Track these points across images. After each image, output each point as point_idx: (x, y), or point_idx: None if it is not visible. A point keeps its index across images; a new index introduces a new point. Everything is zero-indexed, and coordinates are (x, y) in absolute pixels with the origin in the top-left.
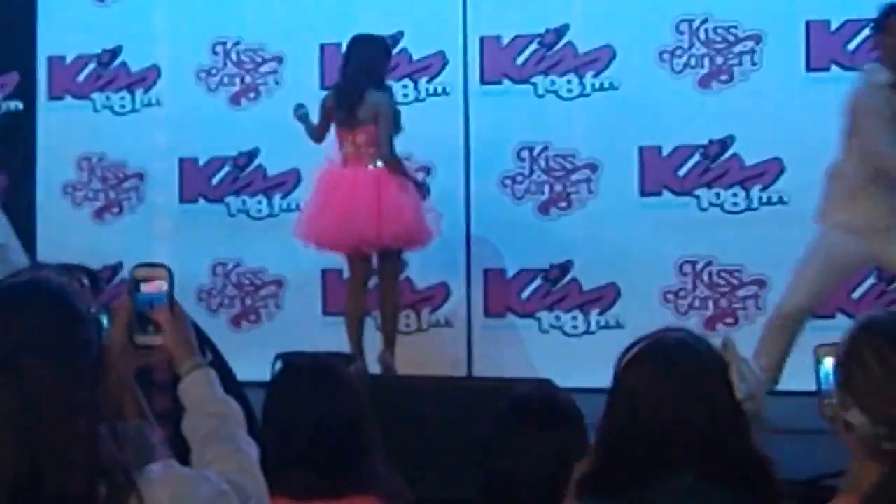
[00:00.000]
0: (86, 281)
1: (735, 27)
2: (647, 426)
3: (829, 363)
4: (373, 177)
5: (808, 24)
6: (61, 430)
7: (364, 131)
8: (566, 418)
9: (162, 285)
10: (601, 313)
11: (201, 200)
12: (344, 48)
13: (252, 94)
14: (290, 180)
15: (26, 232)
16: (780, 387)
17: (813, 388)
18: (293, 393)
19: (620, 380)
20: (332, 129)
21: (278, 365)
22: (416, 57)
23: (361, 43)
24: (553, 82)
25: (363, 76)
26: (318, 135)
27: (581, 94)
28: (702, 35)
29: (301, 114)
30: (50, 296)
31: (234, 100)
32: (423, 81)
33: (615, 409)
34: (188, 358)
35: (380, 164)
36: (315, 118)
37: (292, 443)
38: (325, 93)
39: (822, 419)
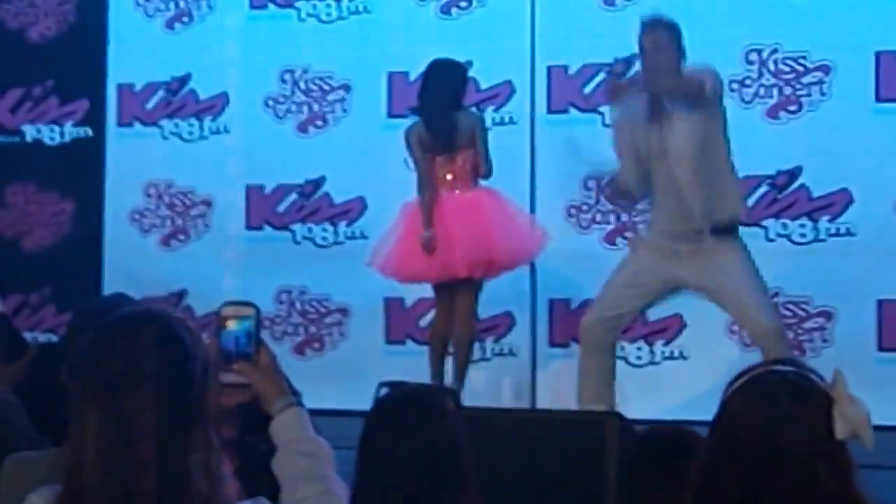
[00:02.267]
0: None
1: (804, 57)
2: (741, 461)
3: None
4: (479, 198)
5: (877, 54)
6: (152, 461)
7: (463, 155)
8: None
9: (249, 324)
10: (666, 344)
11: (267, 228)
12: (417, 75)
13: (319, 122)
14: (355, 208)
15: (94, 258)
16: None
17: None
18: (394, 424)
19: (722, 412)
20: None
21: (382, 391)
22: (483, 86)
23: (440, 67)
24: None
25: (446, 102)
26: (425, 170)
27: None
28: (771, 65)
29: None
30: (161, 328)
31: (302, 128)
32: (490, 110)
33: (713, 440)
34: (280, 397)
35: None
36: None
37: (390, 475)
38: (392, 121)
39: None
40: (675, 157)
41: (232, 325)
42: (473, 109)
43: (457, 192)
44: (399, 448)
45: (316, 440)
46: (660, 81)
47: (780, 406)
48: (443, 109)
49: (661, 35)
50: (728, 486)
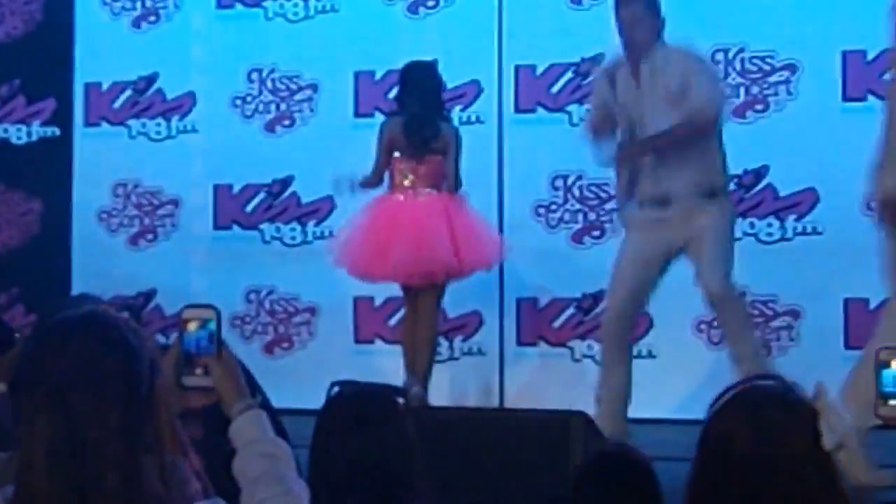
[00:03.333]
0: (126, 315)
1: (771, 57)
2: (731, 474)
3: (891, 366)
4: (443, 203)
5: (844, 54)
6: (105, 462)
7: (430, 162)
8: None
9: (210, 326)
10: (634, 343)
11: (235, 227)
12: (384, 74)
13: (287, 122)
14: (323, 208)
15: (61, 258)
16: None
17: None
18: (344, 423)
19: (708, 427)
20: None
21: (334, 390)
22: (450, 85)
23: (420, 69)
24: (588, 111)
25: (432, 106)
26: (380, 169)
27: None
28: (737, 65)
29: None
30: (105, 329)
31: (269, 127)
32: (457, 109)
33: (701, 457)
34: (239, 399)
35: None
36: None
37: (338, 474)
38: (359, 120)
39: (877, 418)
40: (654, 126)
41: (193, 327)
42: (454, 122)
43: (413, 197)
44: (349, 447)
45: (275, 441)
46: (662, 146)
47: (769, 418)
48: (426, 112)
49: (638, 8)
50: (721, 500)
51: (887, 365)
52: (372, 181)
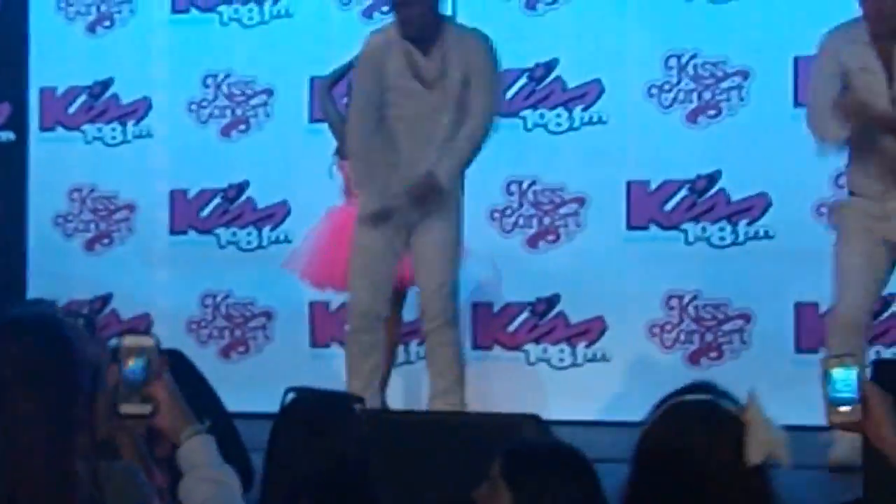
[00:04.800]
0: (76, 321)
1: (723, 63)
2: (659, 490)
3: (840, 372)
4: None
5: (795, 59)
6: (38, 465)
7: None
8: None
9: (149, 354)
10: (588, 346)
11: (191, 232)
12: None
13: (242, 127)
14: (279, 212)
15: (17, 262)
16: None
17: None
18: (296, 431)
19: (640, 443)
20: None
21: (289, 397)
22: None
23: None
24: (542, 116)
25: None
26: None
27: (570, 129)
28: (690, 70)
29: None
30: (46, 331)
31: (225, 132)
32: None
33: (634, 470)
34: (186, 424)
35: None
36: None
37: (293, 481)
38: (314, 126)
39: (831, 426)
40: None
41: (132, 355)
42: None
43: None
44: (305, 455)
45: (222, 466)
46: None
47: (692, 437)
48: None
49: None
50: None
51: (834, 372)
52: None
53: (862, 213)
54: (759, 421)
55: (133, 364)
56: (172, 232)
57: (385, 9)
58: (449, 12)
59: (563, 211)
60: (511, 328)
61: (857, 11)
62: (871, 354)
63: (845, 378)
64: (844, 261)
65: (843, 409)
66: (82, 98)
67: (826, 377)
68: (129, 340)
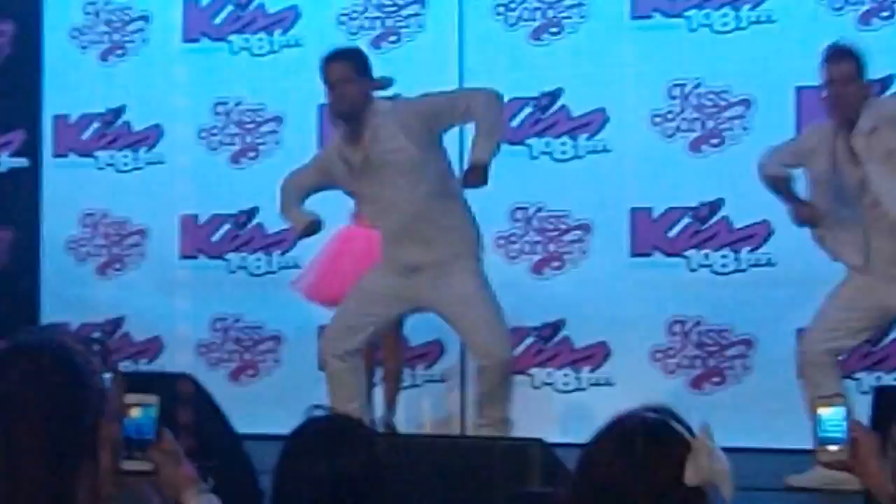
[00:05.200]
0: (96, 348)
1: (726, 92)
2: (598, 500)
3: (830, 413)
4: None
5: (797, 89)
6: (39, 489)
7: None
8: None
9: (152, 412)
10: (592, 371)
11: (202, 257)
12: None
13: (252, 154)
14: (288, 238)
15: (31, 286)
16: (772, 445)
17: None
18: (311, 447)
19: (585, 453)
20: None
21: (311, 413)
22: None
23: None
24: (547, 144)
25: None
26: None
27: (575, 157)
28: (693, 100)
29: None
30: (54, 355)
31: (235, 159)
32: None
33: (576, 479)
34: (192, 484)
35: None
36: None
37: (307, 498)
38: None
39: (820, 465)
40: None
41: (135, 412)
42: None
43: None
44: (319, 472)
45: None
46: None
47: (634, 449)
48: None
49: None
50: None
51: (822, 412)
52: None
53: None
54: (705, 447)
55: (136, 418)
56: (183, 257)
57: (393, 39)
58: (456, 43)
59: (567, 238)
60: (517, 352)
61: (860, 40)
62: (872, 380)
63: (834, 418)
64: (825, 302)
65: (833, 448)
66: (95, 125)
67: (815, 418)
68: (132, 398)
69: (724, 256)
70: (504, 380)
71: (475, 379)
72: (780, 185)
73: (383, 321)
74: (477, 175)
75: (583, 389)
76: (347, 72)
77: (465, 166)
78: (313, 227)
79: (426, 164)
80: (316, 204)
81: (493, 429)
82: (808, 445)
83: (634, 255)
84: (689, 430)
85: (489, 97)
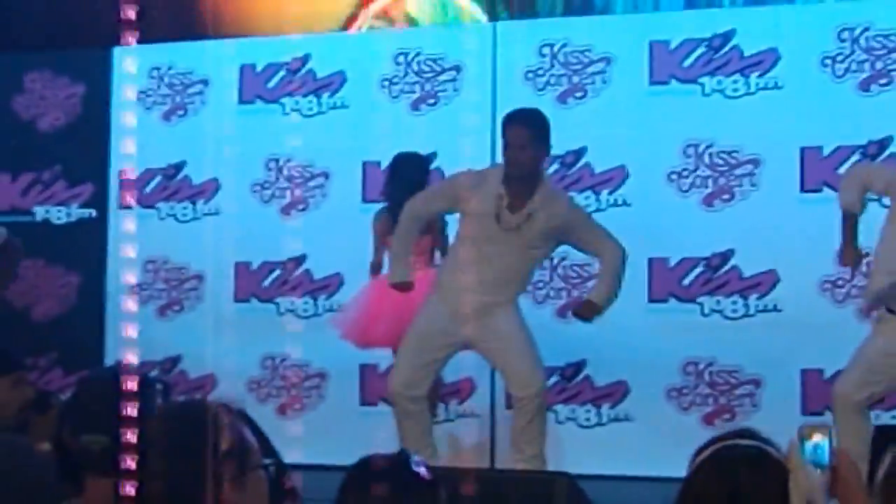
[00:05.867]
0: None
1: (736, 152)
2: None
3: (815, 440)
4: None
5: (802, 149)
6: None
7: (424, 239)
8: None
9: (826, 443)
10: (612, 407)
11: (254, 300)
12: (386, 165)
13: (301, 206)
14: (333, 283)
15: (97, 326)
16: None
17: None
18: (368, 489)
19: (687, 483)
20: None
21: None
22: (449, 174)
23: (404, 161)
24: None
25: (412, 192)
26: (379, 254)
27: (597, 210)
28: (706, 158)
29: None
30: (192, 419)
31: (285, 210)
32: None
33: None
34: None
35: None
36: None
37: None
38: (366, 205)
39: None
40: None
41: (816, 438)
42: None
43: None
44: None
45: None
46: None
47: (741, 479)
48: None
49: None
50: None
51: (808, 438)
52: (375, 264)
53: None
54: (801, 467)
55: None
56: (236, 300)
57: (431, 102)
58: (489, 105)
59: (589, 284)
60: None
61: (858, 105)
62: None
63: (818, 446)
64: (863, 345)
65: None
66: (158, 179)
67: (801, 444)
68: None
69: (734, 302)
70: (538, 413)
71: (511, 415)
72: (847, 219)
73: (442, 363)
74: (589, 311)
75: (603, 424)
76: (525, 137)
77: (586, 297)
78: (405, 287)
79: (538, 249)
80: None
81: (529, 464)
82: None
83: (652, 300)
84: (777, 448)
85: (620, 252)
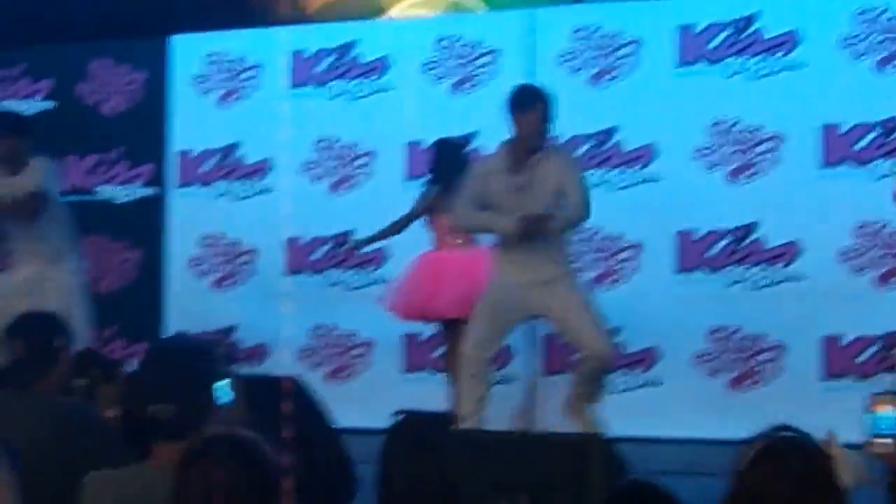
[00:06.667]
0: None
1: (760, 129)
2: None
3: (883, 410)
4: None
5: (823, 127)
6: None
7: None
8: None
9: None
10: (643, 372)
11: (304, 273)
12: (430, 143)
13: (348, 184)
14: (379, 256)
15: (157, 299)
16: None
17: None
18: (402, 449)
19: (741, 480)
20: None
21: (396, 418)
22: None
23: (449, 146)
24: (603, 175)
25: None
26: (403, 223)
27: (628, 186)
28: (731, 136)
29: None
30: (247, 456)
31: (333, 188)
32: None
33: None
34: None
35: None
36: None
37: (406, 491)
38: (409, 182)
39: (870, 458)
40: None
41: (884, 408)
42: None
43: (460, 249)
44: (411, 467)
45: None
46: None
47: (795, 468)
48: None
49: None
50: None
51: (874, 409)
52: (388, 232)
53: None
54: (843, 452)
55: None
56: (288, 273)
57: (470, 85)
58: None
59: (621, 256)
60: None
61: (876, 83)
62: None
63: (888, 415)
64: None
65: (882, 441)
66: (214, 159)
67: (869, 412)
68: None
69: (758, 272)
70: (602, 375)
71: (573, 378)
72: None
73: (510, 331)
74: (534, 220)
75: (633, 389)
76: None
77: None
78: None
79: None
80: (408, 232)
81: (587, 427)
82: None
83: (679, 271)
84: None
85: (581, 214)
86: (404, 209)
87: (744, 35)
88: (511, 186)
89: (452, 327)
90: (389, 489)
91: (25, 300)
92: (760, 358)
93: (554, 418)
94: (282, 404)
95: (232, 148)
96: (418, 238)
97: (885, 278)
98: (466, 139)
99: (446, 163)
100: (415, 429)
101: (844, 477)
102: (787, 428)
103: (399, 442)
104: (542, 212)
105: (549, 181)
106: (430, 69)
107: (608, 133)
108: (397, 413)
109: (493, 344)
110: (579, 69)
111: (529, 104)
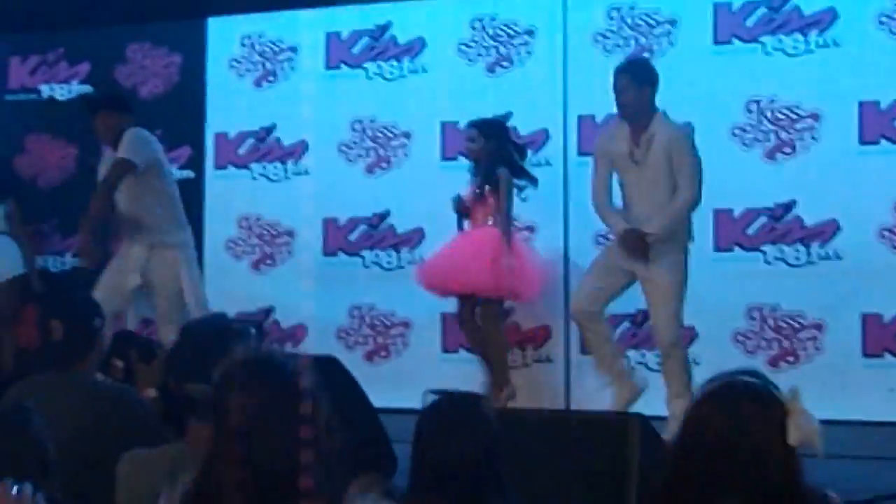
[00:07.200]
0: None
1: (797, 107)
2: (704, 455)
3: None
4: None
5: (860, 104)
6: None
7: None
8: None
9: None
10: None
11: (341, 254)
12: (466, 124)
13: (384, 165)
14: (415, 237)
15: None
16: (840, 417)
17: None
18: (438, 427)
19: (692, 411)
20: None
21: (430, 398)
22: (523, 133)
23: (499, 127)
24: None
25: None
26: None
27: None
28: (768, 114)
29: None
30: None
31: (369, 169)
32: (528, 154)
33: (683, 436)
34: None
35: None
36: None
37: (436, 471)
38: (445, 163)
39: None
40: None
41: None
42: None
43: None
44: (442, 450)
45: None
46: None
47: (743, 409)
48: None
49: None
50: (691, 478)
51: None
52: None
53: None
54: (800, 410)
55: None
56: (325, 254)
57: (506, 64)
58: (561, 67)
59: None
60: (615, 336)
61: None
62: None
63: None
64: None
65: None
66: (250, 141)
67: None
68: None
69: (796, 250)
70: (672, 358)
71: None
72: None
73: (616, 289)
74: (634, 240)
75: None
76: (624, 82)
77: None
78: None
79: (669, 175)
80: (444, 213)
81: (681, 399)
82: (873, 417)
83: (718, 249)
84: (778, 389)
85: (690, 199)
86: (440, 189)
87: (780, 13)
88: (629, 162)
89: (468, 303)
90: (422, 469)
91: (135, 278)
92: (800, 336)
93: (590, 397)
94: (301, 381)
95: (268, 130)
96: (454, 218)
97: None
98: (504, 117)
99: (503, 143)
100: (448, 408)
101: (792, 434)
102: (751, 373)
103: (432, 421)
104: (642, 230)
105: (660, 163)
106: (466, 50)
107: None
108: (428, 392)
109: (597, 300)
110: (614, 49)
111: (615, 78)
